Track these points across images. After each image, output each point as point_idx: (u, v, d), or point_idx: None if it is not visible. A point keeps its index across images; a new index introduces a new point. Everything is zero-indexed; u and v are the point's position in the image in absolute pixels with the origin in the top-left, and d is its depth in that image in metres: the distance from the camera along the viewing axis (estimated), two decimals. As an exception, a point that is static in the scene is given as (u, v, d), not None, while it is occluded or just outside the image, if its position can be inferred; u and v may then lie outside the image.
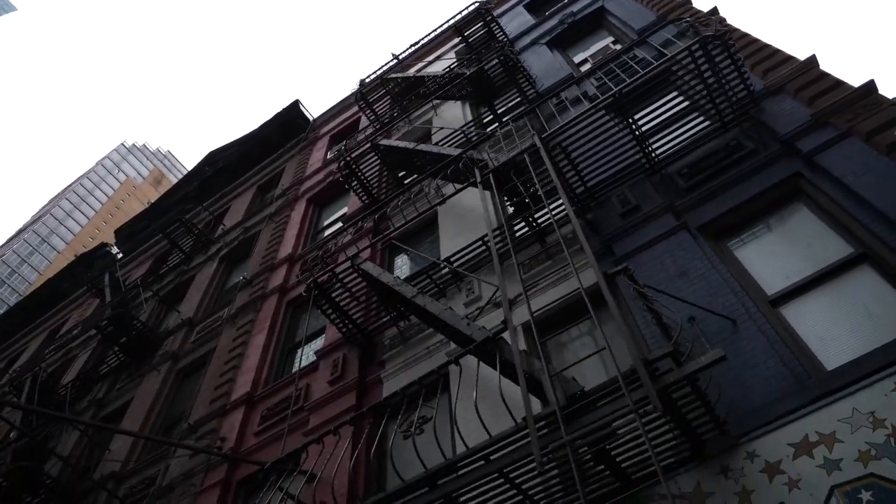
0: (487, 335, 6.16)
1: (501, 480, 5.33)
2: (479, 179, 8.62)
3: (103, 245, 26.26)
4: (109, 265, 25.60)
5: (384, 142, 13.06)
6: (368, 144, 13.51)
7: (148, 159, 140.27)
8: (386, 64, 18.50)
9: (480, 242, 9.46)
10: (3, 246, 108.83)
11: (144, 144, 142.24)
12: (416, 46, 18.94)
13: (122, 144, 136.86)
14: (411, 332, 9.68)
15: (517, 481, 5.36)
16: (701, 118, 9.20)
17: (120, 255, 25.85)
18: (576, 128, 9.20)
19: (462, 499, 5.49)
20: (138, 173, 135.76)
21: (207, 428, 10.97)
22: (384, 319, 10.08)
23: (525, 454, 4.91)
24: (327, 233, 15.47)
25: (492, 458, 5.23)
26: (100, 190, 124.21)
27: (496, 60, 12.74)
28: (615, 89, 8.60)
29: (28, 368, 17.50)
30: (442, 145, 12.86)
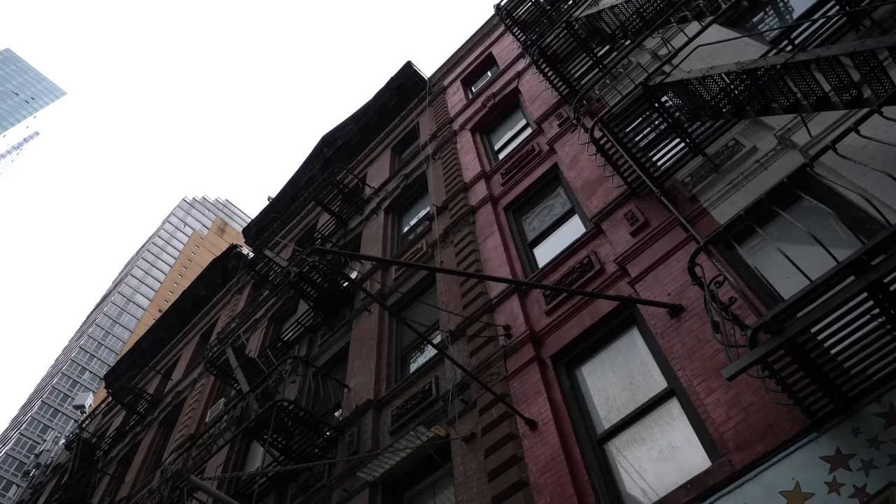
0: None
1: None
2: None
3: (234, 247, 25.84)
4: (244, 264, 25.23)
5: (586, 12, 11.89)
6: (563, 24, 12.34)
7: (209, 210, 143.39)
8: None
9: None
10: (93, 311, 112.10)
11: (204, 197, 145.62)
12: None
13: (184, 200, 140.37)
14: (721, 157, 8.40)
15: None
16: None
17: (251, 254, 25.40)
18: None
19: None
20: (203, 225, 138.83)
21: (478, 326, 9.87)
22: (681, 153, 8.81)
23: None
24: (519, 139, 14.31)
25: None
26: (171, 246, 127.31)
27: None
28: None
29: (224, 341, 16.85)
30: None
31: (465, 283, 11.04)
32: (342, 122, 24.63)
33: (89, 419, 27.03)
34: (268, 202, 25.78)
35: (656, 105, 8.43)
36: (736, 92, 7.68)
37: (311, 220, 21.42)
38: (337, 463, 10.43)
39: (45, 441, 35.44)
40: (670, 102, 8.69)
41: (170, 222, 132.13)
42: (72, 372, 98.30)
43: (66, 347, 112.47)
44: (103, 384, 28.37)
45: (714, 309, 5.01)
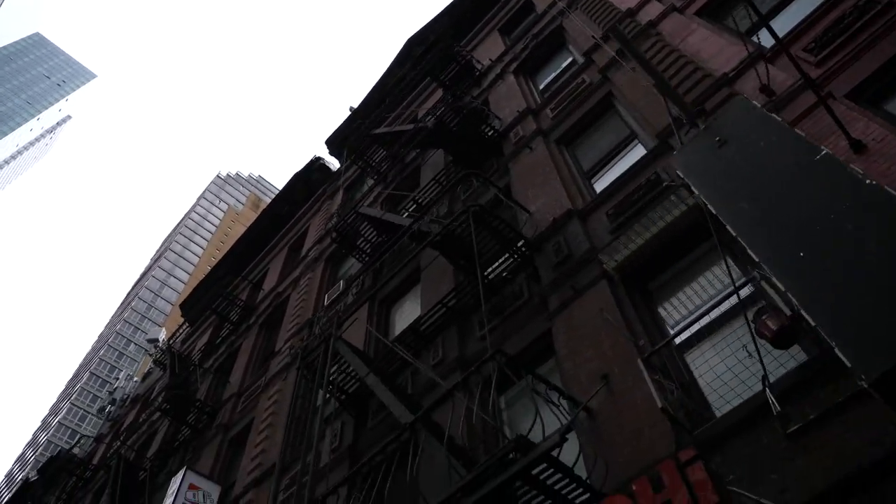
0: None
1: None
2: None
3: (317, 160, 24.60)
4: (327, 177, 24.05)
5: None
6: None
7: (243, 186, 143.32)
8: None
9: None
10: (135, 286, 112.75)
11: (237, 173, 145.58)
12: None
13: (218, 176, 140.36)
14: None
15: None
16: None
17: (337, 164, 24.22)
18: None
19: None
20: (237, 201, 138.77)
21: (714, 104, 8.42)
22: None
23: None
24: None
25: None
26: (207, 221, 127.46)
27: None
28: None
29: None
30: None
31: (676, 76, 9.56)
32: (431, 20, 23.15)
33: (169, 342, 26.12)
34: (350, 112, 24.42)
35: None
36: None
37: (413, 110, 20.03)
38: (541, 274, 9.08)
39: (117, 380, 35.04)
40: None
41: (205, 198, 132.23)
42: (117, 344, 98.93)
43: (109, 322, 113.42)
44: (179, 313, 27.44)
45: None
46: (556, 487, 5.57)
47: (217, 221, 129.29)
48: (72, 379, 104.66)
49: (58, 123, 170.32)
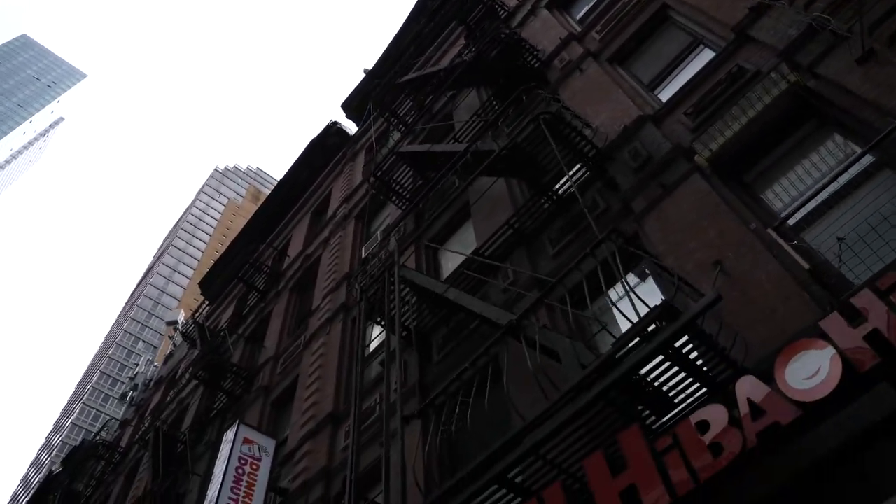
0: None
1: None
2: None
3: (334, 124, 24.05)
4: (345, 142, 23.52)
5: None
6: None
7: (242, 178, 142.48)
8: None
9: None
10: (139, 284, 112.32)
11: (235, 166, 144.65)
12: None
13: (216, 170, 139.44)
14: None
15: None
16: None
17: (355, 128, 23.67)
18: None
19: None
20: (237, 194, 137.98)
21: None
22: None
23: None
24: None
25: None
26: (208, 216, 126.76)
27: None
28: None
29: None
30: None
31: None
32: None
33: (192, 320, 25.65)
34: (364, 74, 23.83)
35: None
36: None
37: (436, 61, 19.43)
38: (619, 181, 8.60)
39: (137, 365, 34.68)
40: None
41: (205, 193, 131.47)
42: (125, 342, 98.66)
43: (115, 321, 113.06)
44: (188, 303, 26.96)
45: None
46: (699, 363, 5.12)
47: (218, 215, 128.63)
48: (82, 380, 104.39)
49: (51, 125, 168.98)
